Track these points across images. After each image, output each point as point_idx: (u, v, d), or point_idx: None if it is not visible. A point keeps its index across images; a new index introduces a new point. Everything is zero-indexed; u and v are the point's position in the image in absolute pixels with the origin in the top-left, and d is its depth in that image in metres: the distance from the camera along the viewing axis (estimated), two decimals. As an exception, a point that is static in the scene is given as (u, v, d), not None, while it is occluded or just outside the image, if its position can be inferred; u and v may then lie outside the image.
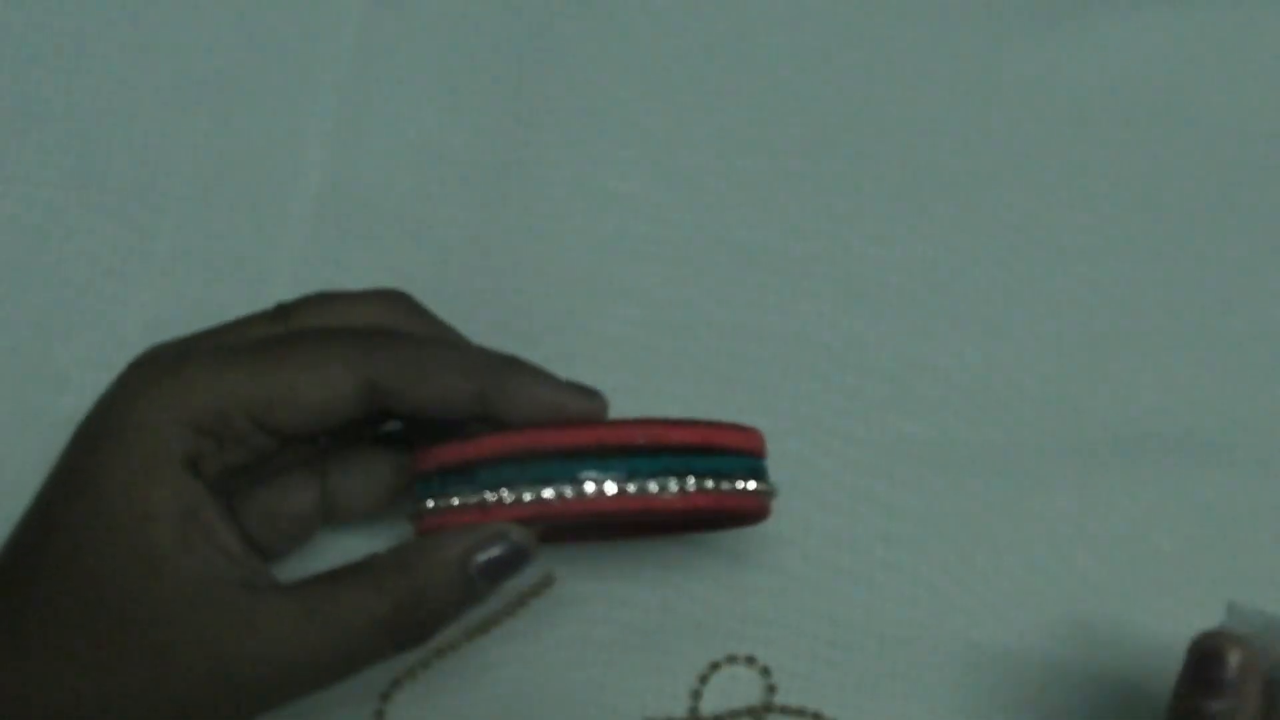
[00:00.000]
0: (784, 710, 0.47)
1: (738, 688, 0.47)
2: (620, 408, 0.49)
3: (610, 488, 0.38)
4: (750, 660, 0.47)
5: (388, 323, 0.41)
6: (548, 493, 0.37)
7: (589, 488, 0.38)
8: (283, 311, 0.42)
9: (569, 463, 0.38)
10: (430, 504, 0.39)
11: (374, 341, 0.38)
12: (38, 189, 0.52)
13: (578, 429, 0.38)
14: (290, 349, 0.38)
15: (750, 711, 0.47)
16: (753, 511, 0.41)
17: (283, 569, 0.43)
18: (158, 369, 0.38)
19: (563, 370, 0.49)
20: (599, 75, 0.56)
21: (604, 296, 0.52)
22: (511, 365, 0.40)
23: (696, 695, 0.47)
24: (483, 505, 0.38)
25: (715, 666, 0.47)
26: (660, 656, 0.47)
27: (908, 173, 0.55)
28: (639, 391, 0.50)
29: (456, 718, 0.44)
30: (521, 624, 0.47)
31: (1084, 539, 0.49)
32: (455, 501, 0.38)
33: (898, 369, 0.51)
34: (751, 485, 0.40)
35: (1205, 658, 0.36)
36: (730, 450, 0.40)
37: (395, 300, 0.43)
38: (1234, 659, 0.35)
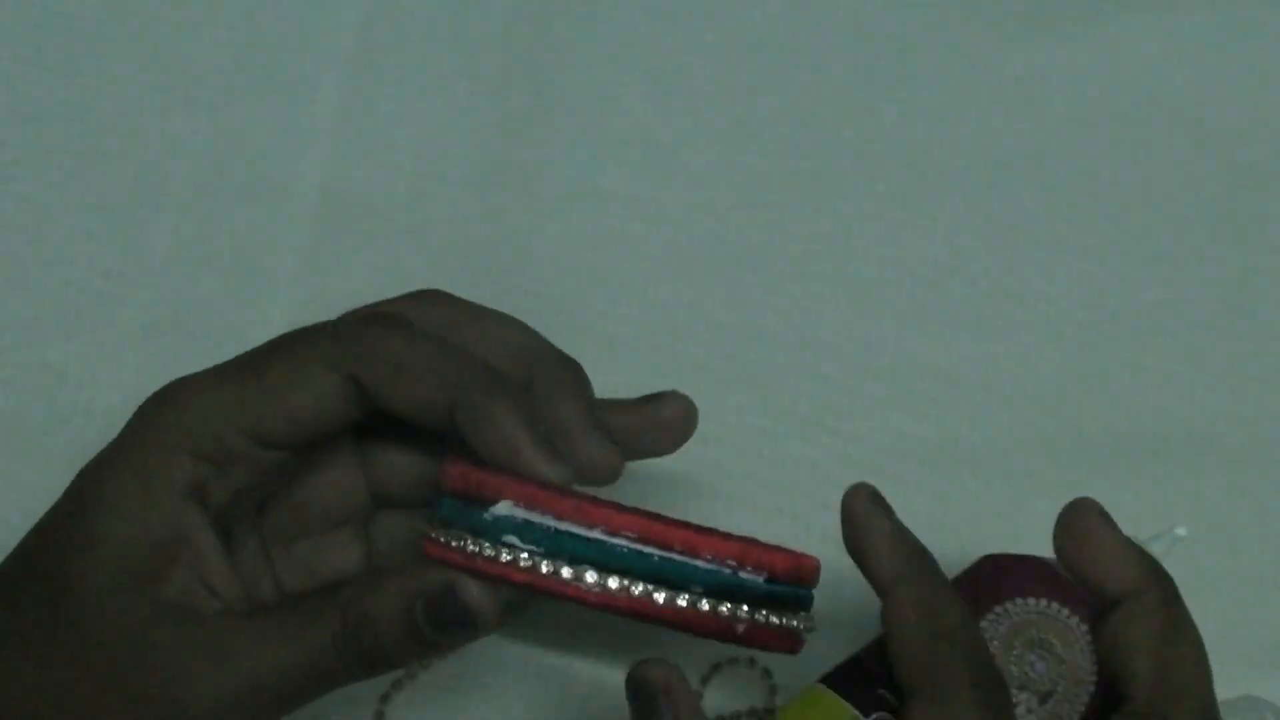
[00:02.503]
0: (784, 710, 0.47)
1: (739, 689, 0.47)
2: (620, 408, 0.50)
3: (635, 590, 0.34)
4: (751, 662, 0.47)
5: (405, 314, 0.39)
6: (565, 572, 0.33)
7: (612, 584, 0.34)
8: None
9: (601, 543, 0.33)
10: (433, 532, 0.35)
11: (355, 337, 0.37)
12: (38, 189, 0.52)
13: (614, 511, 0.34)
14: (271, 356, 0.37)
15: (751, 713, 0.46)
16: (776, 647, 0.36)
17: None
18: (162, 398, 0.37)
19: (563, 370, 0.49)
20: (598, 75, 0.56)
21: (604, 296, 0.52)
22: (492, 389, 0.35)
23: (698, 696, 0.47)
24: (478, 554, 0.34)
25: (716, 668, 0.47)
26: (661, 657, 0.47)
27: (908, 173, 0.55)
28: (639, 391, 0.50)
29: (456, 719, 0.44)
30: (520, 625, 0.47)
31: (1084, 539, 0.49)
32: (460, 543, 0.34)
33: (898, 369, 0.51)
34: (781, 620, 0.35)
35: (635, 685, 0.34)
36: (779, 577, 0.35)
37: (423, 295, 0.41)
38: (656, 675, 0.34)
